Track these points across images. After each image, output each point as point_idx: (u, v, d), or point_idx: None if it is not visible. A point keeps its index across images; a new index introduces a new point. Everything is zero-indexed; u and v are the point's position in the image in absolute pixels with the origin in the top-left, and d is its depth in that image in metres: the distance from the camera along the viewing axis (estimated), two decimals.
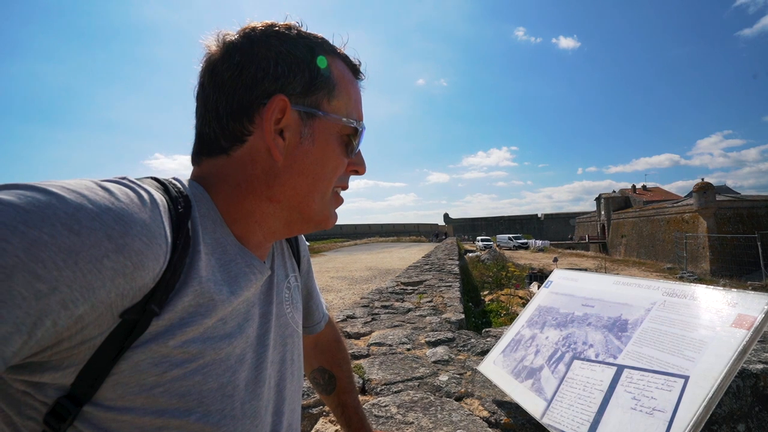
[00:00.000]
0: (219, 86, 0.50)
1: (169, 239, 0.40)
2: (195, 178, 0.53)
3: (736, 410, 1.39)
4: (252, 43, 0.50)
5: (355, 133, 0.56)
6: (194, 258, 0.43)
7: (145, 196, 0.40)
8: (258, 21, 0.52)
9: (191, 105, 0.53)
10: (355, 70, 0.58)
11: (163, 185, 0.46)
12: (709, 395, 0.87)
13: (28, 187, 0.33)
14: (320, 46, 0.53)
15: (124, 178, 0.42)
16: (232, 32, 0.51)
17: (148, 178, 0.47)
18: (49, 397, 0.37)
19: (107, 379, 0.38)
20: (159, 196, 0.42)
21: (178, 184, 0.48)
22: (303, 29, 0.53)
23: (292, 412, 0.62)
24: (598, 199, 46.55)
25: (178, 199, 0.45)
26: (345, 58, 0.56)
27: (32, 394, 0.37)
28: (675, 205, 31.45)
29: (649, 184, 51.62)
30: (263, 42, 0.50)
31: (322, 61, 0.51)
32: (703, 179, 27.82)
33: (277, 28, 0.51)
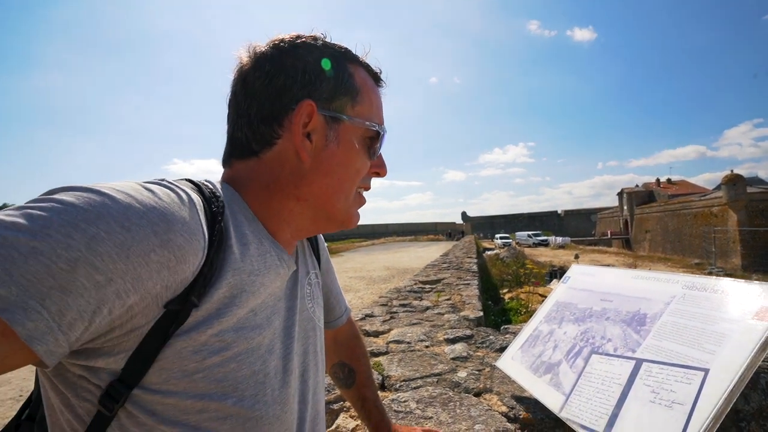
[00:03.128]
0: (250, 94, 0.53)
1: (206, 235, 0.44)
2: (226, 179, 0.57)
3: (765, 407, 1.36)
4: (281, 53, 0.54)
5: (377, 137, 0.59)
6: (227, 253, 0.47)
7: (184, 196, 0.44)
8: (286, 33, 0.56)
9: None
10: (376, 78, 0.61)
11: (197, 186, 0.50)
12: (730, 388, 0.86)
13: (83, 188, 0.38)
14: (344, 55, 0.57)
15: (163, 180, 0.46)
16: (262, 44, 0.55)
17: (183, 179, 0.51)
18: (103, 381, 0.42)
19: (153, 365, 0.42)
20: (195, 196, 0.46)
21: (210, 186, 0.52)
22: (328, 40, 0.57)
23: (317, 402, 0.65)
24: (620, 194, 45.25)
25: (211, 198, 0.48)
26: (367, 67, 0.60)
27: (87, 377, 0.42)
28: (702, 198, 30.28)
29: (674, 177, 49.84)
30: (291, 52, 0.54)
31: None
32: (732, 170, 26.73)
33: (303, 39, 0.55)
